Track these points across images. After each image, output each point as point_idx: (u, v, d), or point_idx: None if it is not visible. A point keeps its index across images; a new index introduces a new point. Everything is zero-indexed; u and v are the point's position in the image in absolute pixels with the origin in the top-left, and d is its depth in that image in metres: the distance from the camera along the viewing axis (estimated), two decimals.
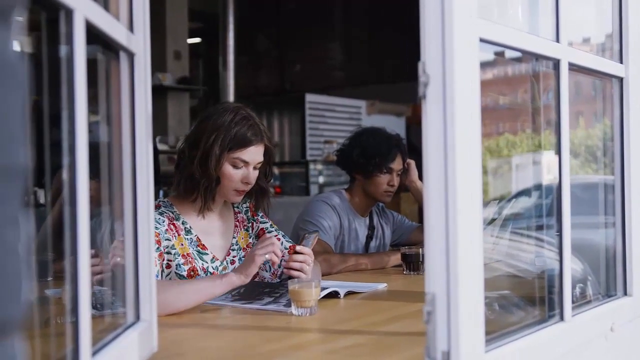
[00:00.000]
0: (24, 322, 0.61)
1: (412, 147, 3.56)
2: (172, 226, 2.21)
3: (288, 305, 1.94)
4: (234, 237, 2.39)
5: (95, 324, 1.09)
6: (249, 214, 2.47)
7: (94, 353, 1.10)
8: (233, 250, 2.37)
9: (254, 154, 2.24)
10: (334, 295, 2.15)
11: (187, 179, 2.24)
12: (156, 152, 4.16)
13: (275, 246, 2.05)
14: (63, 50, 1.02)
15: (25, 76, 0.58)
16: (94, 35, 1.12)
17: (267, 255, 2.02)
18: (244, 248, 2.40)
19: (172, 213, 2.25)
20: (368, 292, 2.29)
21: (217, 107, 2.29)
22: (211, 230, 2.33)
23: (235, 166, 2.23)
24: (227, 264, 2.32)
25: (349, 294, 2.21)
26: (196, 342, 1.69)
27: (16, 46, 0.57)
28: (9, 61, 0.55)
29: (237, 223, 2.42)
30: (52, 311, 1.35)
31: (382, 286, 2.39)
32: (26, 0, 0.63)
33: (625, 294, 1.84)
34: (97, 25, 1.12)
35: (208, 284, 2.02)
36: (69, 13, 1.00)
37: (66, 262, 1.04)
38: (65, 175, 1.01)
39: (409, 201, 6.80)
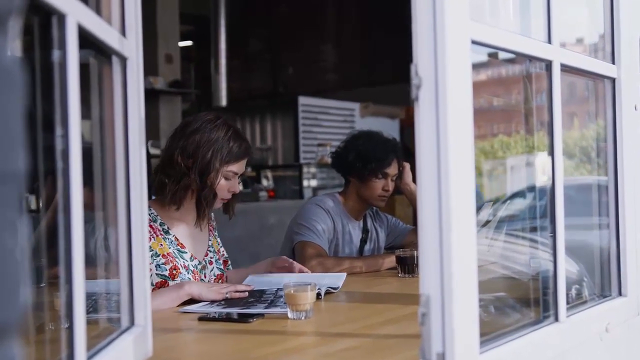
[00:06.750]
0: (22, 327, 0.61)
1: (406, 150, 3.56)
2: (149, 228, 2.25)
3: (285, 307, 1.93)
4: (209, 240, 2.50)
5: (88, 329, 1.08)
6: (215, 224, 2.58)
7: (89, 358, 1.10)
8: (210, 251, 2.47)
9: (244, 165, 2.39)
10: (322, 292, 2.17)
11: (182, 189, 2.30)
12: (148, 156, 4.23)
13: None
14: (55, 54, 1.02)
15: (23, 81, 0.58)
16: (86, 40, 1.12)
17: (227, 295, 2.17)
18: (217, 251, 2.51)
19: (150, 215, 2.30)
20: (362, 294, 2.29)
21: (202, 119, 2.35)
22: (189, 233, 2.41)
23: (226, 178, 2.34)
24: (205, 263, 2.43)
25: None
26: (191, 347, 1.69)
27: (13, 51, 0.57)
28: (6, 67, 0.55)
29: (211, 228, 2.53)
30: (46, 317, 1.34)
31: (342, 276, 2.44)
32: (23, 6, 0.63)
33: (619, 294, 1.84)
34: (90, 30, 1.12)
35: (166, 299, 2.09)
36: (62, 18, 1.00)
37: (60, 268, 1.03)
38: (59, 180, 1.01)
39: (403, 204, 6.81)
